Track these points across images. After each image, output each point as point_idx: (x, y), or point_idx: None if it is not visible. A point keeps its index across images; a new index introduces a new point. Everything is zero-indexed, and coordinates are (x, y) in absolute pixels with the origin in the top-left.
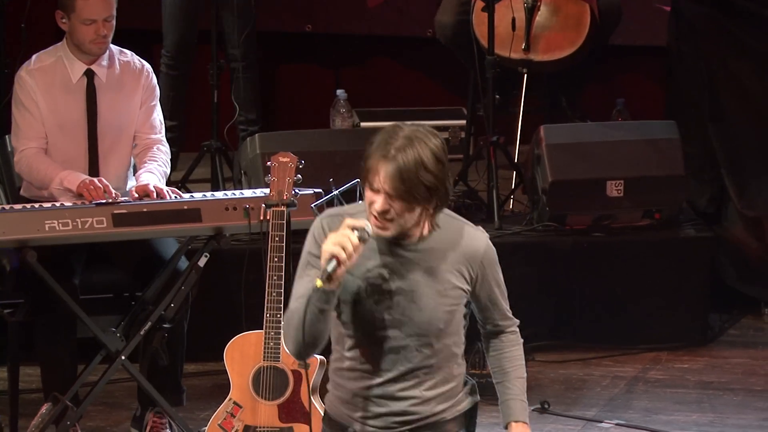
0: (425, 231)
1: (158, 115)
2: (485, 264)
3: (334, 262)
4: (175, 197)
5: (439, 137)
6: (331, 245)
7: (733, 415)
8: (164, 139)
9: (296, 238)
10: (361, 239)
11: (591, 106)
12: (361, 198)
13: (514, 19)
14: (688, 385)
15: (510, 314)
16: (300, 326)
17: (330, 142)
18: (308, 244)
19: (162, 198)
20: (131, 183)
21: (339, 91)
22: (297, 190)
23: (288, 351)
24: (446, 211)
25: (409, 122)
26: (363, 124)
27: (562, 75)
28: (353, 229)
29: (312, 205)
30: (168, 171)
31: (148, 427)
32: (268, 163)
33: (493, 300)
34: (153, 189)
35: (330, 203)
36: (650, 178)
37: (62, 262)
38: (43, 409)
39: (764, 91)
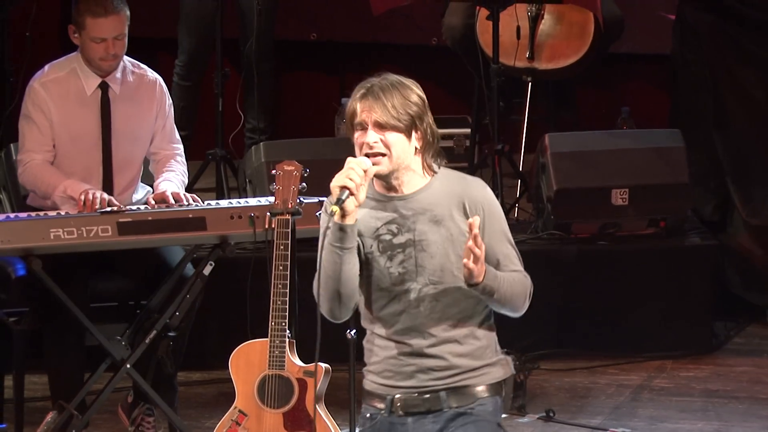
0: (423, 178)
1: (174, 128)
2: (486, 209)
3: (346, 192)
4: (195, 204)
5: (417, 85)
6: (338, 179)
7: (738, 424)
8: (181, 151)
9: (301, 246)
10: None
11: (596, 114)
12: None
13: (518, 28)
14: (693, 393)
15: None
16: (326, 278)
17: (335, 151)
18: (322, 224)
19: (180, 203)
20: (140, 194)
21: (344, 99)
22: (302, 199)
23: (323, 314)
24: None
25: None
26: None
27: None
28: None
29: (317, 214)
30: (186, 181)
31: (137, 423)
32: (273, 171)
33: (503, 252)
34: (170, 195)
35: None
36: (655, 187)
37: (68, 271)
38: (49, 417)
39: None
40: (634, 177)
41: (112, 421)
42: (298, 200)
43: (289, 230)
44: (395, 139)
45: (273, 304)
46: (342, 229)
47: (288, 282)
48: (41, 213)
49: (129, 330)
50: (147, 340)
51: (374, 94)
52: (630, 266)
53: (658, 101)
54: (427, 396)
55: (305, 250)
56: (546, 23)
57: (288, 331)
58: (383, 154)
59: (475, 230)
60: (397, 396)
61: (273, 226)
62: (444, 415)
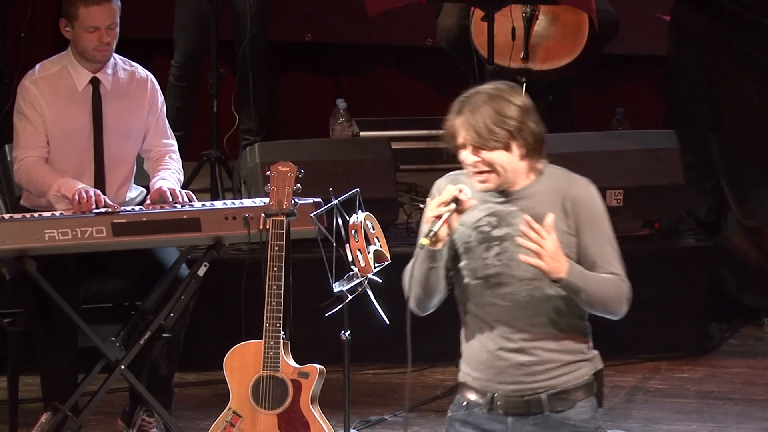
0: (530, 179)
1: (167, 125)
2: (585, 209)
3: (439, 223)
4: (190, 205)
5: (517, 90)
6: (434, 209)
7: (733, 425)
8: (175, 148)
9: (296, 247)
10: (459, 201)
11: (591, 115)
12: (361, 208)
13: (513, 29)
14: (688, 394)
15: (621, 275)
16: (415, 282)
17: (330, 152)
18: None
19: (176, 199)
20: (134, 194)
21: (339, 101)
22: (296, 200)
23: (412, 307)
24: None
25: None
26: (363, 133)
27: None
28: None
29: (311, 215)
30: (181, 179)
31: (137, 425)
32: (268, 172)
33: (600, 254)
34: (167, 190)
35: (329, 213)
36: (650, 188)
37: (62, 272)
38: (43, 418)
39: (764, 101)
40: (628, 178)
41: (105, 423)
42: (292, 201)
43: (284, 231)
44: (494, 156)
45: (267, 305)
46: (432, 253)
47: (282, 283)
48: (35, 214)
49: (123, 331)
50: (141, 342)
51: (468, 112)
52: (625, 268)
53: (653, 102)
54: (528, 398)
55: (300, 251)
56: (540, 24)
57: (282, 333)
58: (489, 171)
59: (529, 225)
60: (497, 395)
61: (267, 227)
62: (547, 419)
